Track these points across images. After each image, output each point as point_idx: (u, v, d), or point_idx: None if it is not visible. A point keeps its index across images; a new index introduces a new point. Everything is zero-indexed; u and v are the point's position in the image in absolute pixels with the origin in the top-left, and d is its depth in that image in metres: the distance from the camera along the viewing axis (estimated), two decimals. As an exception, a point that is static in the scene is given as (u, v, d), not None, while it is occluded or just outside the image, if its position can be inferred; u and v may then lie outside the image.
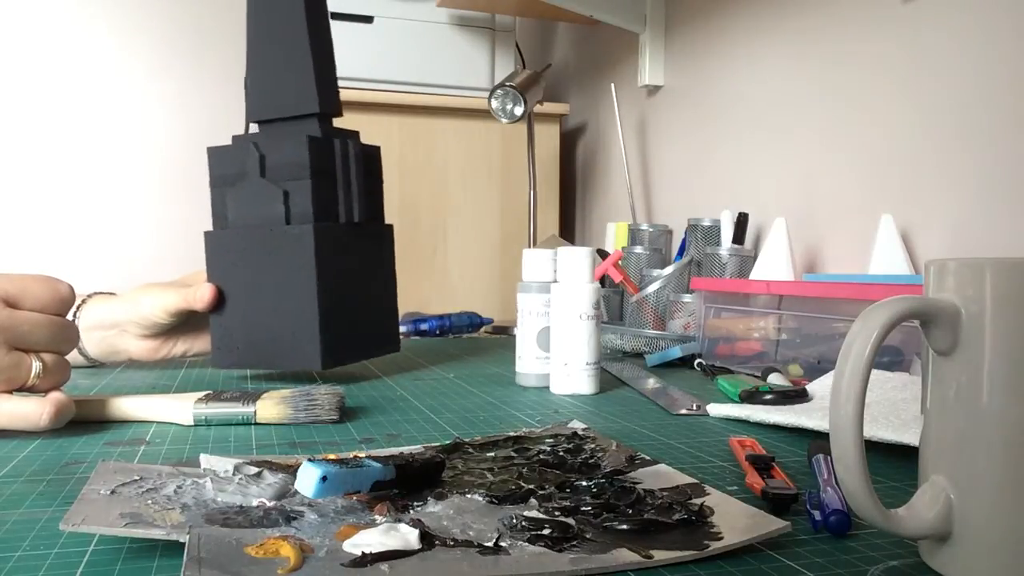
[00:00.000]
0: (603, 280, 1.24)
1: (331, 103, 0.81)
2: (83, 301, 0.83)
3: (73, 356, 0.83)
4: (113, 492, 0.38)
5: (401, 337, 1.26)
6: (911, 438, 0.48)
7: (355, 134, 0.84)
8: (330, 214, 0.78)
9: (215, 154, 0.80)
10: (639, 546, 0.34)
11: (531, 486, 0.42)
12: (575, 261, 0.75)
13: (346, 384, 0.78)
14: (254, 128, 0.84)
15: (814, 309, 0.80)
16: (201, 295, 0.78)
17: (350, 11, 1.52)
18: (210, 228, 0.81)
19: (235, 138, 0.80)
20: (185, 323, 0.83)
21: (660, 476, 0.44)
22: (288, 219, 0.76)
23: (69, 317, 0.81)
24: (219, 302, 0.79)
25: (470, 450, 0.50)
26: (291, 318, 0.76)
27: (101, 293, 0.86)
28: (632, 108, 1.56)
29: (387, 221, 0.92)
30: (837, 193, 1.03)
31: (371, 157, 0.85)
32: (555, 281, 0.77)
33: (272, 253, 0.76)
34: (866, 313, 0.31)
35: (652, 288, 1.11)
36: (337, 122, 0.83)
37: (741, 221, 1.10)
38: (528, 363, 0.79)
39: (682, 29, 1.41)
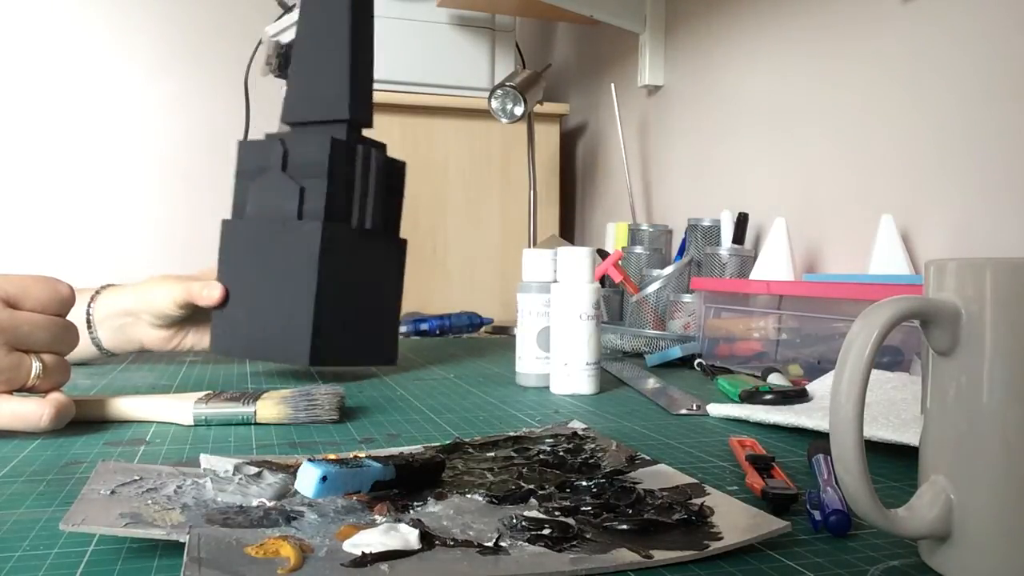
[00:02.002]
0: (603, 280, 1.24)
1: (362, 111, 0.82)
2: (96, 292, 0.85)
3: (87, 349, 0.84)
4: (113, 492, 0.38)
5: (401, 337, 1.26)
6: (911, 438, 0.48)
7: (382, 146, 0.86)
8: (341, 216, 0.79)
9: (244, 147, 0.82)
10: (639, 546, 0.34)
11: (531, 486, 0.42)
12: (575, 261, 0.75)
13: (346, 384, 0.78)
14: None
15: (814, 309, 0.80)
16: (209, 293, 0.80)
17: (350, 11, 1.52)
18: (221, 220, 0.83)
19: (267, 135, 0.82)
20: (196, 317, 0.84)
21: (660, 476, 0.44)
22: (300, 215, 0.78)
23: (83, 308, 0.83)
24: (226, 293, 0.80)
25: (470, 450, 0.50)
26: (287, 312, 0.77)
27: (113, 285, 0.86)
28: (632, 108, 1.56)
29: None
30: (837, 193, 1.03)
31: (394, 170, 0.86)
32: (555, 281, 0.77)
33: (281, 246, 0.78)
34: (866, 313, 0.31)
35: (652, 288, 1.11)
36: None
37: (741, 221, 1.10)
38: (528, 363, 0.79)
39: (682, 29, 1.41)
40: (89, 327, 0.83)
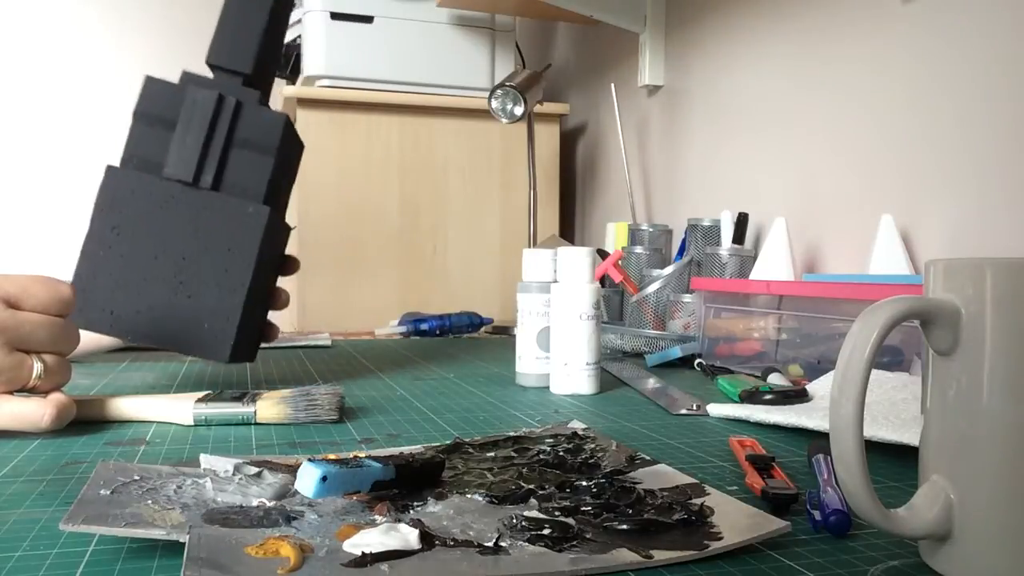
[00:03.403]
0: (603, 280, 1.24)
1: (232, 57, 0.72)
2: None
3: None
4: (113, 492, 0.38)
5: (401, 337, 1.27)
6: (911, 438, 0.48)
7: (256, 95, 0.73)
8: (150, 165, 0.70)
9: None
10: (639, 546, 0.34)
11: (531, 486, 0.42)
12: (575, 261, 0.75)
13: (346, 384, 0.78)
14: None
15: (814, 309, 0.80)
16: None
17: (350, 11, 1.52)
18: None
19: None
20: None
21: (660, 476, 0.44)
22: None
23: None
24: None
25: (470, 450, 0.50)
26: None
27: None
28: (632, 108, 1.56)
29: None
30: (837, 193, 1.03)
31: (261, 126, 0.72)
32: (555, 281, 0.77)
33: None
34: (866, 313, 0.31)
35: (652, 288, 1.11)
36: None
37: (741, 221, 1.10)
38: (528, 363, 0.79)
39: (682, 29, 1.41)
40: None
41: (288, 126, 0.73)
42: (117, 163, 0.72)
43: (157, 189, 0.70)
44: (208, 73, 0.75)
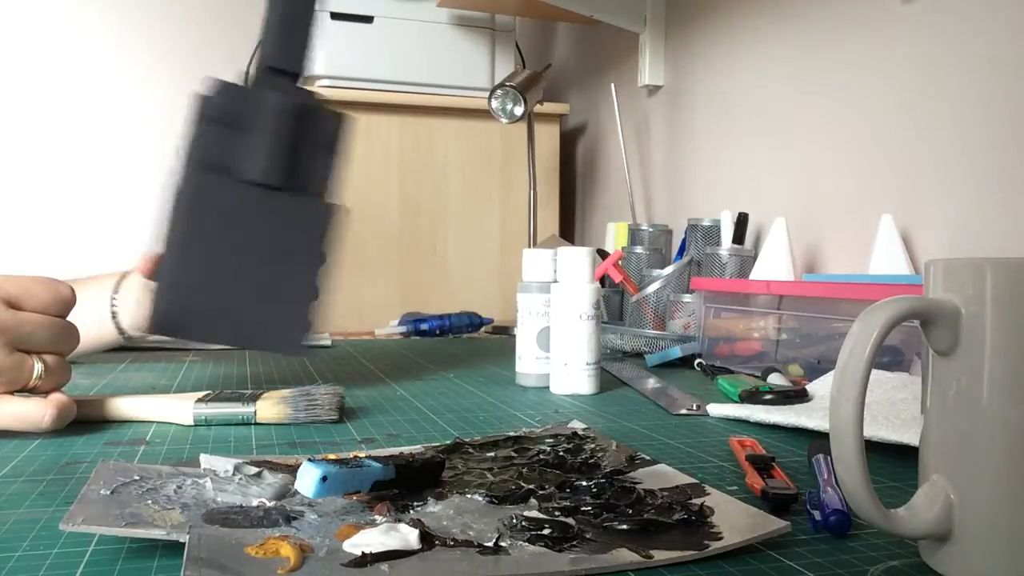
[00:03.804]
0: (603, 280, 1.24)
1: (280, 56, 0.73)
2: (123, 276, 0.83)
3: (108, 334, 0.82)
4: (113, 492, 0.38)
5: (401, 337, 1.26)
6: (911, 438, 0.48)
7: (306, 92, 0.74)
8: (218, 168, 0.70)
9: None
10: (639, 546, 0.34)
11: (531, 486, 0.42)
12: (575, 261, 0.75)
13: (346, 384, 0.78)
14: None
15: (814, 309, 0.80)
16: None
17: (350, 11, 1.52)
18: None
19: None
20: None
21: (660, 476, 0.44)
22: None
23: (110, 293, 0.81)
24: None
25: (470, 450, 0.50)
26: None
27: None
28: (632, 108, 1.56)
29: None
30: (837, 193, 1.03)
31: (316, 122, 0.73)
32: (555, 281, 0.77)
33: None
34: (866, 313, 0.31)
35: (652, 288, 1.11)
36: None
37: (741, 221, 1.10)
38: (528, 363, 0.79)
39: (682, 29, 1.41)
40: (113, 316, 0.82)
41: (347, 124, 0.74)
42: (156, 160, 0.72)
43: (229, 191, 0.70)
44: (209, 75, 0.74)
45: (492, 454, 0.49)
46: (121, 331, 0.83)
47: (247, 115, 0.70)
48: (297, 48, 0.74)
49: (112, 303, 0.82)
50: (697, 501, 0.39)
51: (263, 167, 0.70)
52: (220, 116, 0.70)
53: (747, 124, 1.22)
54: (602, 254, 1.20)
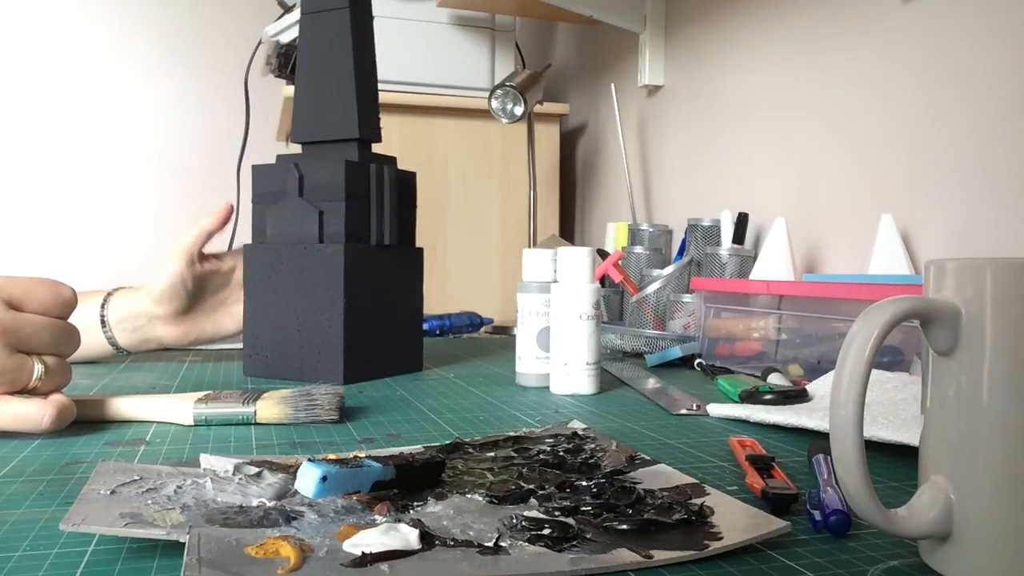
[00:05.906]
0: (603, 280, 1.24)
1: (371, 129, 0.86)
2: (109, 295, 0.87)
3: (102, 348, 0.86)
4: (113, 492, 0.38)
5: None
6: (911, 438, 0.48)
7: (392, 160, 0.88)
8: (361, 235, 0.82)
9: (259, 172, 0.84)
10: (639, 546, 0.34)
11: (531, 486, 0.42)
12: (575, 261, 0.75)
13: (346, 384, 0.78)
14: (298, 148, 0.88)
15: (814, 309, 0.80)
16: (215, 217, 0.87)
17: (350, 11, 1.52)
18: (243, 245, 0.85)
19: (279, 157, 0.84)
20: (205, 302, 0.88)
21: (660, 476, 0.44)
22: (321, 238, 0.80)
23: (96, 310, 0.85)
24: (254, 313, 0.82)
25: (470, 450, 0.50)
26: (318, 333, 0.79)
27: (124, 288, 0.88)
28: (632, 108, 1.56)
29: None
30: (837, 193, 1.04)
31: (406, 183, 0.89)
32: (555, 281, 0.77)
33: (304, 269, 0.80)
34: (866, 313, 0.31)
35: (652, 288, 1.11)
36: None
37: (741, 221, 1.10)
38: (528, 363, 0.79)
39: (682, 29, 1.41)
40: (103, 325, 0.85)
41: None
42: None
43: (370, 254, 0.82)
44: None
45: (492, 454, 0.49)
46: (114, 344, 0.87)
47: (373, 188, 0.83)
48: (376, 119, 0.88)
49: (102, 314, 0.86)
50: (697, 501, 0.39)
51: (393, 230, 0.84)
52: (355, 191, 0.81)
53: (747, 124, 1.22)
54: (602, 254, 1.20)
